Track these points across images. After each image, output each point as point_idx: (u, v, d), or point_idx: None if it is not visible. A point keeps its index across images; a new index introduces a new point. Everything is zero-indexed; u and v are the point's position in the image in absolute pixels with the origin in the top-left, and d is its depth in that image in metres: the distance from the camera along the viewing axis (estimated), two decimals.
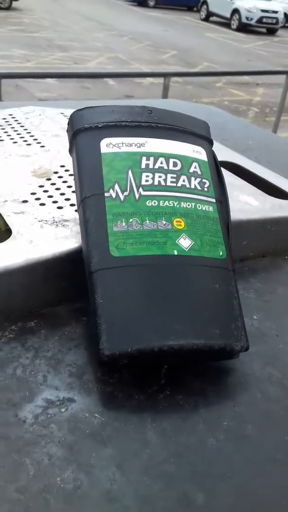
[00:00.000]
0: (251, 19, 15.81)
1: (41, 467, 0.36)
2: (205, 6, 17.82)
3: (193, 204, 0.50)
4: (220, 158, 0.59)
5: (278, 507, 0.36)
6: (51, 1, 17.44)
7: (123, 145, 0.51)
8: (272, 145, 1.13)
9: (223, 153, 0.83)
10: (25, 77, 4.75)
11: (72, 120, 0.54)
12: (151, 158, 0.52)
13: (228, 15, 16.50)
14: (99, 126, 0.52)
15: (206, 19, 17.72)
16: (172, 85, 4.14)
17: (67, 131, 0.55)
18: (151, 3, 19.90)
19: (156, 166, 0.51)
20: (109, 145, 0.51)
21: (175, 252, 0.47)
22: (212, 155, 0.57)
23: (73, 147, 0.53)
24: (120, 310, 0.43)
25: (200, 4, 18.32)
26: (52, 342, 0.48)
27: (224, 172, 0.60)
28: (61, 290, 0.52)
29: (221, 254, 0.49)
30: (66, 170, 0.67)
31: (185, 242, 0.48)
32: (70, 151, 0.54)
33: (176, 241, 0.48)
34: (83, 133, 0.52)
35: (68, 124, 0.55)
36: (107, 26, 13.14)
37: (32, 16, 13.19)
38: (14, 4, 14.06)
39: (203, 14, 18.02)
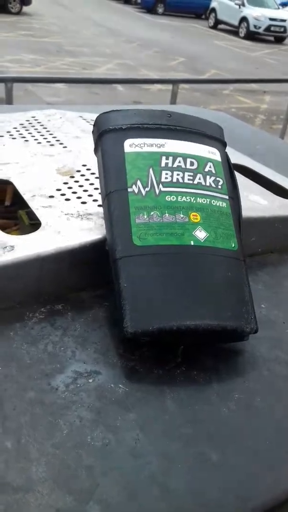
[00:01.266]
0: (259, 27, 15.90)
1: (73, 428, 0.41)
2: (213, 14, 17.95)
3: (208, 200, 0.55)
4: (231, 159, 0.63)
5: (284, 464, 0.41)
6: (60, 6, 17.61)
7: (145, 146, 0.56)
8: (279, 149, 1.18)
9: (233, 156, 0.87)
10: (36, 82, 4.83)
11: (98, 122, 0.59)
12: (170, 158, 0.56)
13: (236, 23, 16.61)
14: (123, 128, 0.57)
15: (214, 26, 17.83)
16: (180, 92, 4.20)
17: (92, 132, 0.60)
18: (160, 10, 20.05)
19: (175, 165, 0.56)
20: (132, 145, 0.56)
21: (192, 243, 0.52)
22: (225, 156, 0.61)
23: (99, 147, 0.58)
24: (142, 293, 0.48)
25: (208, 11, 18.45)
26: (78, 323, 0.53)
27: (235, 172, 0.65)
28: (85, 277, 0.57)
29: (233, 245, 0.54)
30: (88, 169, 0.72)
31: (200, 234, 0.53)
32: (95, 150, 0.59)
33: (193, 233, 0.52)
34: (108, 134, 0.57)
35: (94, 125, 0.60)
36: (116, 32, 13.26)
37: (42, 21, 13.34)
38: (24, 9, 14.21)
39: (211, 21, 18.14)
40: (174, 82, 4.48)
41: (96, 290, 0.57)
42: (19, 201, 0.69)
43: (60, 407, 0.42)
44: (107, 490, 0.36)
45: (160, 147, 0.57)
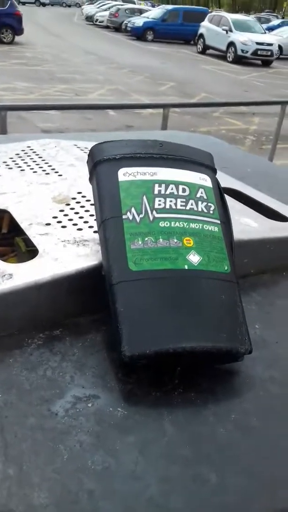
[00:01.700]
0: (247, 51, 16.32)
1: (74, 452, 0.42)
2: (201, 40, 18.42)
3: (200, 225, 0.57)
4: (221, 184, 0.66)
5: (282, 484, 0.41)
6: (52, 36, 18.00)
7: (138, 174, 0.58)
8: (268, 172, 1.21)
9: (224, 180, 0.90)
10: (30, 109, 4.90)
11: (92, 153, 0.61)
12: (163, 185, 0.58)
13: (224, 48, 17.04)
14: (117, 157, 0.59)
15: (203, 52, 18.27)
16: (170, 115, 4.28)
17: (87, 162, 0.62)
18: (149, 37, 20.54)
19: (167, 192, 0.58)
20: (125, 174, 0.58)
21: (186, 267, 0.53)
22: (216, 182, 0.64)
23: (94, 176, 0.60)
24: (139, 317, 0.49)
25: (196, 37, 18.93)
26: (76, 348, 0.54)
27: (226, 197, 0.67)
28: (82, 302, 0.58)
29: (226, 268, 0.56)
30: (83, 196, 0.74)
31: (194, 258, 0.54)
32: (90, 179, 0.61)
33: (187, 257, 0.54)
34: (102, 164, 0.59)
35: (88, 156, 0.62)
36: (107, 59, 13.54)
37: (34, 50, 13.62)
38: (17, 38, 14.52)
39: (199, 47, 18.60)
40: (165, 106, 4.57)
41: (93, 315, 0.59)
42: (15, 228, 0.70)
43: (60, 432, 0.43)
44: None
45: (152, 175, 0.59)
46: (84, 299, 0.58)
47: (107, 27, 25.12)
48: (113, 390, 0.49)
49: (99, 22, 26.08)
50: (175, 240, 0.55)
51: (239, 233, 0.67)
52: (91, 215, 0.68)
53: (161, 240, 0.54)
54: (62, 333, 0.56)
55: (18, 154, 0.88)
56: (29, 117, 6.49)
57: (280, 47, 18.11)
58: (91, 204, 0.71)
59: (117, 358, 0.49)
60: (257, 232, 0.73)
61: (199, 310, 0.51)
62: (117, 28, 23.88)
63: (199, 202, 0.59)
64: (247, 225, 0.74)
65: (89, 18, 28.34)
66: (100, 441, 0.43)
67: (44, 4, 47.25)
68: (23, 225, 0.65)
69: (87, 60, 12.95)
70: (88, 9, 31.59)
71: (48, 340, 0.54)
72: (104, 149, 0.60)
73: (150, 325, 0.49)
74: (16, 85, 8.79)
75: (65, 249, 0.60)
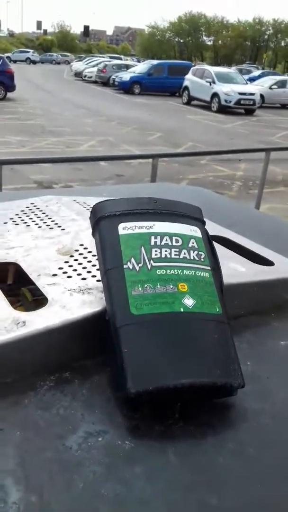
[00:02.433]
0: (230, 101, 17.07)
1: (88, 482, 0.46)
2: (186, 92, 19.27)
3: (193, 271, 0.64)
4: (210, 232, 0.73)
5: (278, 507, 0.46)
6: (43, 91, 18.71)
7: (136, 228, 0.66)
8: (254, 219, 1.30)
9: (212, 228, 0.97)
10: (23, 163, 5.07)
11: (94, 210, 0.68)
12: (158, 237, 0.65)
13: (208, 98, 17.82)
14: (117, 214, 0.66)
15: (188, 103, 19.07)
16: (159, 164, 4.45)
17: (89, 218, 0.69)
18: (136, 91, 21.43)
19: (163, 243, 0.65)
20: (125, 228, 0.65)
21: (182, 309, 0.59)
22: (205, 233, 0.71)
23: (96, 231, 0.67)
24: (141, 356, 0.55)
25: (182, 90, 19.80)
26: (85, 388, 0.59)
27: (215, 244, 0.74)
28: (88, 346, 0.63)
29: (218, 310, 0.62)
30: (85, 248, 0.81)
31: (188, 301, 0.60)
32: (93, 234, 0.68)
33: (182, 301, 0.60)
34: (104, 220, 0.66)
35: (91, 212, 0.69)
36: (96, 112, 14.07)
37: (26, 105, 14.14)
38: (9, 95, 15.11)
39: (185, 98, 19.42)
40: (154, 156, 4.75)
41: (98, 357, 0.64)
42: (20, 279, 0.76)
43: (74, 464, 0.48)
44: None
45: (149, 228, 0.66)
46: (89, 343, 0.63)
47: (95, 82, 26.20)
48: (120, 426, 0.53)
49: (88, 77, 27.20)
50: (171, 286, 0.61)
51: (228, 277, 0.73)
52: (94, 265, 0.75)
53: (158, 286, 0.61)
54: (70, 375, 0.61)
55: (23, 210, 0.95)
56: (22, 169, 6.69)
57: (262, 96, 18.97)
58: (93, 255, 0.78)
59: (123, 395, 0.54)
60: (245, 276, 0.79)
61: (195, 349, 0.57)
62: (105, 82, 24.93)
63: (191, 251, 0.66)
64: (236, 269, 0.81)
65: (78, 74, 29.58)
66: (110, 471, 0.47)
67: (34, 62, 49.33)
68: (32, 276, 0.71)
69: (77, 114, 13.44)
70: (77, 65, 33.04)
71: (58, 382, 0.59)
72: (105, 207, 0.68)
73: (152, 364, 0.55)
74: (9, 139, 9.08)
75: (71, 297, 0.66)
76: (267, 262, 0.88)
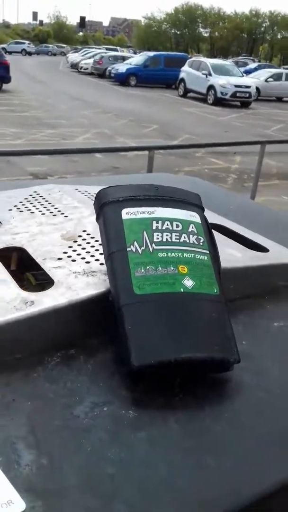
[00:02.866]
0: (226, 94, 17.04)
1: (95, 446, 0.50)
2: (182, 84, 19.20)
3: (192, 254, 0.67)
4: (208, 220, 0.76)
5: (266, 467, 0.50)
6: (38, 83, 18.58)
7: (138, 213, 0.69)
8: (249, 209, 1.33)
9: (210, 216, 1.00)
10: (19, 155, 5.06)
11: (98, 196, 0.71)
12: (160, 222, 0.69)
13: (204, 91, 17.77)
14: (120, 200, 0.70)
15: (184, 95, 19.00)
16: (155, 156, 4.47)
17: (94, 204, 0.73)
18: (132, 83, 21.32)
19: (164, 228, 0.68)
20: (128, 213, 0.68)
21: (182, 290, 0.63)
22: (204, 218, 0.74)
23: (100, 216, 0.70)
24: (144, 333, 0.58)
25: (178, 82, 19.73)
26: (89, 364, 0.62)
27: (212, 231, 0.77)
28: (92, 325, 0.67)
29: (215, 291, 0.65)
30: (88, 234, 0.84)
31: (188, 283, 0.64)
32: (97, 219, 0.72)
33: (182, 282, 0.64)
34: (108, 205, 0.70)
35: (95, 198, 0.72)
36: (92, 104, 14.01)
37: (21, 97, 14.06)
38: (4, 86, 15.01)
39: (181, 91, 19.35)
40: (150, 149, 4.77)
41: (101, 336, 0.67)
42: (24, 264, 0.80)
43: (82, 431, 0.51)
44: (127, 492, 0.45)
45: (151, 213, 0.69)
46: (94, 322, 0.67)
47: (91, 73, 26.03)
48: (123, 397, 0.57)
49: (84, 69, 27.01)
50: (172, 268, 0.65)
51: (225, 262, 0.77)
52: (96, 250, 0.78)
53: (160, 268, 0.64)
54: (76, 352, 0.64)
55: (26, 198, 0.98)
56: (18, 161, 6.68)
57: (257, 89, 18.93)
58: (96, 241, 0.81)
59: (126, 369, 0.57)
60: (241, 261, 0.83)
61: (194, 326, 0.60)
62: (101, 74, 24.77)
63: (191, 236, 0.69)
64: (232, 255, 0.85)
65: (74, 66, 29.37)
66: (116, 437, 0.51)
67: (30, 53, 48.92)
68: (38, 260, 0.74)
69: (72, 106, 13.39)
70: (73, 57, 32.79)
71: (65, 358, 0.62)
72: (109, 193, 0.71)
73: (154, 340, 0.58)
74: (4, 131, 9.04)
75: (76, 279, 0.69)
76: (262, 249, 0.91)
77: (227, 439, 0.53)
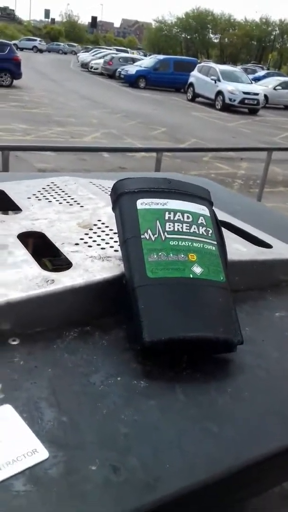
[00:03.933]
0: (234, 100, 17.10)
1: (110, 409, 0.55)
2: (191, 88, 19.28)
3: (201, 244, 0.72)
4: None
5: (264, 434, 0.55)
6: (49, 81, 18.67)
7: (152, 204, 0.74)
8: (255, 209, 1.38)
9: (217, 214, 1.06)
10: (31, 150, 5.13)
11: (115, 187, 0.77)
12: (172, 213, 0.74)
13: (212, 96, 17.84)
14: (135, 191, 0.75)
15: (193, 99, 19.08)
16: (162, 159, 4.53)
17: (110, 194, 0.78)
18: (142, 85, 21.40)
19: (175, 218, 0.73)
20: (142, 203, 0.74)
21: (191, 276, 0.68)
22: (212, 212, 0.79)
23: (117, 205, 0.75)
24: (155, 312, 0.64)
25: (187, 86, 19.81)
26: (104, 340, 0.67)
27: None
28: (107, 305, 0.72)
29: (222, 278, 0.70)
30: (103, 223, 0.89)
31: (197, 269, 0.69)
32: (114, 208, 0.77)
33: (191, 268, 0.69)
34: (124, 195, 0.75)
35: (112, 189, 0.77)
36: (102, 104, 14.08)
37: (32, 94, 14.15)
38: (15, 82, 15.10)
39: (189, 95, 19.43)
40: (158, 150, 4.83)
41: (115, 316, 0.72)
42: (39, 251, 0.84)
43: (98, 396, 0.56)
44: (138, 448, 0.50)
45: (163, 205, 0.75)
46: (108, 303, 0.72)
47: (101, 74, 26.13)
48: (135, 370, 0.62)
49: (94, 69, 27.12)
50: (182, 255, 0.70)
51: (231, 255, 0.82)
52: (111, 238, 0.83)
53: (171, 255, 0.69)
54: (91, 329, 0.69)
55: (44, 188, 1.03)
56: (26, 157, 6.73)
57: (266, 96, 18.98)
58: (110, 230, 0.86)
59: (138, 345, 0.62)
60: (246, 255, 0.88)
61: (202, 309, 0.66)
62: (111, 75, 24.86)
63: (200, 227, 0.74)
64: (237, 249, 0.90)
65: (85, 65, 29.49)
66: (129, 402, 0.56)
67: (41, 51, 49.12)
68: (57, 244, 0.79)
69: (82, 105, 13.47)
70: (84, 56, 32.92)
71: (81, 334, 0.68)
72: (125, 184, 0.76)
73: (164, 319, 0.63)
74: (14, 127, 9.11)
75: (93, 263, 0.74)
76: (266, 245, 0.96)
77: (230, 410, 0.58)
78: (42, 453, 0.47)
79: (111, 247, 0.80)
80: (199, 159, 8.51)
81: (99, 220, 0.90)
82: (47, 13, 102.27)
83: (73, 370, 0.60)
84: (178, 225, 0.73)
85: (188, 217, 0.75)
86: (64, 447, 0.49)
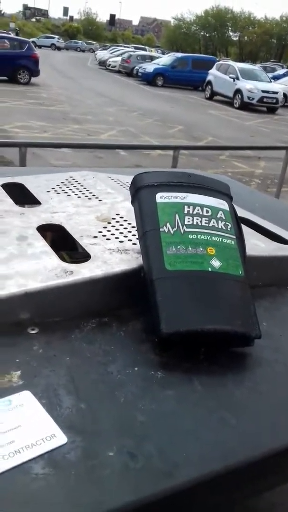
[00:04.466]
0: (253, 98, 16.95)
1: (128, 398, 0.55)
2: (209, 86, 19.17)
3: (220, 238, 0.72)
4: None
5: (279, 427, 0.55)
6: (67, 78, 18.76)
7: (171, 198, 0.74)
8: (274, 206, 1.37)
9: (237, 210, 1.05)
10: (47, 147, 5.16)
11: (135, 181, 0.77)
12: (191, 207, 0.74)
13: (231, 94, 17.71)
14: (155, 184, 0.75)
15: (210, 98, 18.97)
16: (179, 157, 4.51)
17: (129, 188, 0.78)
18: (159, 83, 21.36)
19: (194, 212, 0.74)
20: (162, 197, 0.74)
21: (209, 269, 0.68)
22: (232, 207, 0.79)
23: (136, 199, 0.76)
24: (174, 304, 0.64)
25: (205, 84, 19.71)
26: (121, 331, 0.68)
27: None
28: (124, 297, 0.72)
29: (240, 272, 0.70)
30: (121, 217, 0.89)
31: (216, 263, 0.69)
32: (133, 202, 0.77)
33: (210, 262, 0.69)
34: (143, 189, 0.75)
35: (131, 183, 0.78)
36: (119, 102, 14.10)
37: (49, 91, 14.24)
38: (33, 79, 15.20)
39: (207, 93, 19.32)
40: (175, 148, 4.82)
41: (132, 308, 0.73)
42: (57, 244, 0.85)
43: (116, 385, 0.57)
44: (155, 436, 0.50)
45: (183, 199, 0.75)
46: (125, 295, 0.72)
47: (119, 72, 26.15)
48: (153, 361, 0.62)
49: (112, 67, 27.15)
50: (201, 249, 0.70)
51: (249, 251, 0.82)
52: (129, 232, 0.84)
53: (190, 248, 0.69)
54: (109, 320, 0.70)
55: (63, 182, 1.04)
56: (43, 154, 6.77)
57: (285, 95, 18.77)
58: (128, 223, 0.87)
59: (156, 336, 0.63)
60: (265, 251, 0.88)
61: (220, 302, 0.66)
62: (129, 73, 24.87)
63: (219, 221, 0.74)
64: (256, 245, 0.89)
65: (102, 63, 29.54)
66: (146, 392, 0.57)
67: (59, 48, 49.38)
68: (76, 236, 0.80)
69: (99, 102, 13.50)
70: (102, 54, 32.99)
71: (99, 325, 0.68)
72: (144, 178, 0.76)
73: (183, 311, 0.63)
74: (31, 124, 9.18)
75: (111, 255, 0.75)
76: (285, 241, 0.96)
77: (247, 402, 0.58)
78: (60, 438, 0.48)
79: (129, 240, 0.81)
80: (216, 157, 8.46)
81: (117, 214, 0.91)
82: (65, 10, 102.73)
83: (91, 360, 0.61)
84: (197, 219, 0.73)
85: (207, 211, 0.75)
86: (82, 433, 0.49)
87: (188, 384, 0.59)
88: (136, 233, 0.82)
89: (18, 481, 0.43)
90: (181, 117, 12.75)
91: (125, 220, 0.88)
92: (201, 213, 0.74)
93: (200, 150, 7.55)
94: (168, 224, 0.71)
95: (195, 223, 0.72)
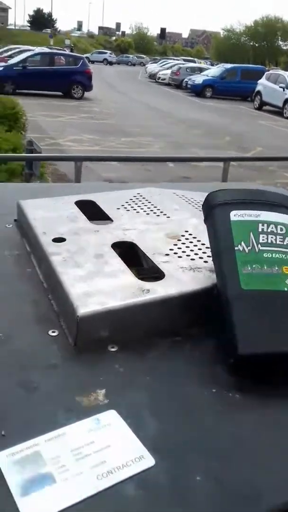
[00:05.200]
0: None
1: (208, 421, 0.55)
2: (258, 96, 18.97)
3: None
4: None
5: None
6: (117, 92, 19.13)
7: (245, 216, 0.74)
8: None
9: None
10: (101, 160, 5.27)
11: (208, 199, 0.77)
12: (265, 225, 0.73)
13: (280, 104, 17.43)
14: (229, 202, 0.75)
15: (259, 108, 18.76)
16: None
17: (202, 206, 0.79)
18: (208, 94, 21.36)
19: (269, 230, 0.73)
20: (236, 215, 0.74)
21: (286, 289, 0.67)
22: None
23: (209, 217, 0.76)
24: (250, 324, 0.63)
25: (254, 94, 19.52)
26: (196, 350, 0.68)
27: None
28: (197, 316, 0.72)
29: None
30: (190, 234, 0.90)
31: None
32: (206, 220, 0.77)
33: (286, 281, 0.68)
34: (218, 207, 0.75)
35: (204, 201, 0.78)
36: (167, 114, 14.22)
37: (101, 105, 14.57)
38: (86, 94, 15.63)
39: (256, 103, 19.12)
40: (225, 160, 4.79)
41: (202, 327, 0.72)
42: (126, 260, 0.86)
43: (195, 407, 0.57)
44: (240, 461, 0.50)
45: (257, 216, 0.74)
46: (198, 314, 0.72)
47: (168, 84, 26.37)
48: (228, 381, 0.62)
49: (161, 79, 27.43)
50: (276, 268, 0.69)
51: None
52: (199, 249, 0.84)
53: (265, 267, 0.69)
54: (182, 339, 0.70)
55: (131, 199, 1.06)
56: (94, 167, 6.91)
57: None
58: (198, 241, 0.87)
59: (232, 357, 0.62)
60: None
61: None
62: (178, 85, 25.02)
63: None
64: None
65: (152, 76, 29.91)
66: (226, 415, 0.56)
67: (111, 63, 50.53)
68: (149, 254, 0.81)
69: (148, 115, 13.67)
70: (152, 67, 33.41)
71: (173, 344, 0.69)
72: (218, 196, 0.77)
73: (259, 331, 0.63)
74: (83, 137, 9.42)
75: (184, 274, 0.75)
76: None
77: None
78: (148, 460, 0.48)
79: (200, 258, 0.81)
80: (265, 168, 8.34)
81: (186, 231, 0.91)
82: (118, 26, 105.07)
83: (169, 380, 0.61)
84: (272, 237, 0.72)
85: (281, 229, 0.74)
86: (168, 455, 0.50)
87: (267, 407, 0.58)
88: (206, 250, 0.82)
89: (111, 502, 0.43)
90: (229, 128, 12.68)
91: (194, 237, 0.89)
92: (275, 231, 0.73)
93: (249, 161, 7.46)
94: (243, 243, 0.71)
95: (269, 241, 0.72)
